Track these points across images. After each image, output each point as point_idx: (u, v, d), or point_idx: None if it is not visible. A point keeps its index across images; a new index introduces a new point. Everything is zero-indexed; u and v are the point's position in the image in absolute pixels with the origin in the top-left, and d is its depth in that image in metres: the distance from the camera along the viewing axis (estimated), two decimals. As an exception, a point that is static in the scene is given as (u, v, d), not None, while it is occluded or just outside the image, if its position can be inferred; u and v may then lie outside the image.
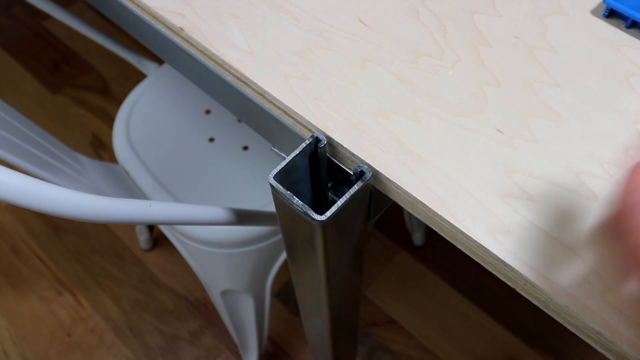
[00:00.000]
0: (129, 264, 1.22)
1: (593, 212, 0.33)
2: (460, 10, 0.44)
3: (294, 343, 1.11)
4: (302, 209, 0.34)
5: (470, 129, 0.37)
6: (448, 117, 0.38)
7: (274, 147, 0.44)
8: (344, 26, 0.43)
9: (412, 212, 0.36)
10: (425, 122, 0.37)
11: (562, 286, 0.30)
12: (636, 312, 0.29)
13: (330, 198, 0.43)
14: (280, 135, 0.42)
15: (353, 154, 0.36)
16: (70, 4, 1.65)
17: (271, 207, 0.76)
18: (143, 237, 1.21)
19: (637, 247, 0.24)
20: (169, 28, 0.45)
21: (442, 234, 0.35)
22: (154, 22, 0.46)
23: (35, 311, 1.16)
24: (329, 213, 0.34)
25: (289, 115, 0.39)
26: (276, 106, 0.40)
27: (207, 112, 0.89)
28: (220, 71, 0.43)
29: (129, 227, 1.26)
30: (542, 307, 0.32)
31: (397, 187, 0.35)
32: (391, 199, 0.37)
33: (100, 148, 1.38)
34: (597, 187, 0.34)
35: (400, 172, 0.35)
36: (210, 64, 0.43)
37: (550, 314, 0.32)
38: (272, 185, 0.35)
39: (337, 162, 0.38)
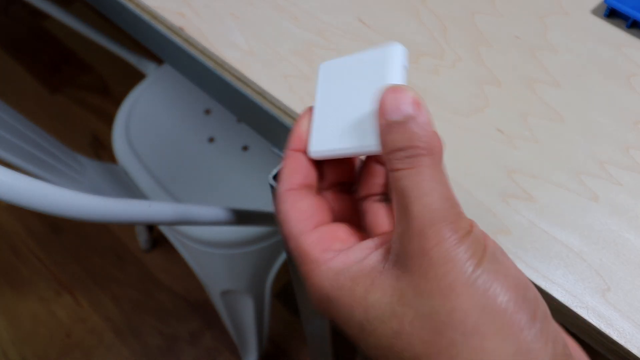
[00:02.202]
0: (128, 264, 1.22)
1: (593, 212, 0.33)
2: (461, 10, 0.44)
3: (294, 343, 1.11)
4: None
5: (470, 129, 0.37)
6: (448, 116, 0.38)
7: (274, 148, 0.44)
8: (344, 26, 0.43)
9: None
10: (426, 122, 0.37)
11: (563, 286, 0.30)
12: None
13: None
14: (280, 135, 0.42)
15: (353, 154, 0.36)
16: (70, 4, 1.65)
17: (271, 207, 0.75)
18: (143, 238, 1.21)
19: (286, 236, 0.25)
20: (168, 28, 0.45)
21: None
22: (153, 22, 0.46)
23: (34, 312, 1.16)
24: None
25: (289, 115, 0.39)
26: (276, 106, 0.40)
27: (207, 112, 0.89)
28: (220, 71, 0.43)
29: (128, 227, 1.26)
30: (542, 308, 0.32)
31: (398, 187, 0.35)
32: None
33: (100, 148, 1.38)
34: (597, 187, 0.34)
35: (400, 172, 0.35)
36: (210, 64, 0.43)
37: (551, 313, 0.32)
38: (271, 186, 0.35)
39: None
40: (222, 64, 0.42)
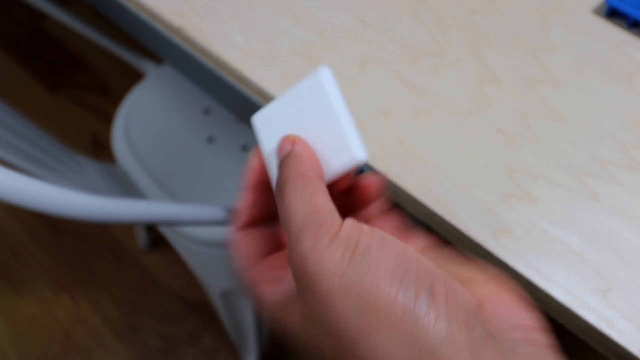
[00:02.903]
0: (127, 265, 1.22)
1: (594, 212, 0.33)
2: (461, 10, 0.44)
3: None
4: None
5: (471, 129, 0.37)
6: (449, 116, 0.38)
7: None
8: (344, 25, 0.43)
9: (413, 212, 0.35)
10: (426, 121, 0.37)
11: (564, 286, 0.30)
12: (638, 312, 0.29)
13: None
14: (280, 135, 0.42)
15: (353, 154, 0.36)
16: (69, 4, 1.65)
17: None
18: (142, 238, 1.21)
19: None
20: (168, 27, 0.45)
21: (443, 234, 0.35)
22: (153, 22, 0.46)
23: (33, 312, 1.16)
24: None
25: (289, 115, 0.39)
26: (276, 106, 0.40)
27: (207, 111, 0.89)
28: (219, 71, 0.42)
29: (127, 228, 1.26)
30: (543, 308, 0.32)
31: (398, 187, 0.35)
32: (392, 200, 0.37)
33: (99, 148, 1.38)
34: (598, 187, 0.34)
35: (400, 172, 0.35)
36: (210, 64, 0.43)
37: (552, 314, 0.31)
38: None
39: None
40: (221, 64, 0.42)
